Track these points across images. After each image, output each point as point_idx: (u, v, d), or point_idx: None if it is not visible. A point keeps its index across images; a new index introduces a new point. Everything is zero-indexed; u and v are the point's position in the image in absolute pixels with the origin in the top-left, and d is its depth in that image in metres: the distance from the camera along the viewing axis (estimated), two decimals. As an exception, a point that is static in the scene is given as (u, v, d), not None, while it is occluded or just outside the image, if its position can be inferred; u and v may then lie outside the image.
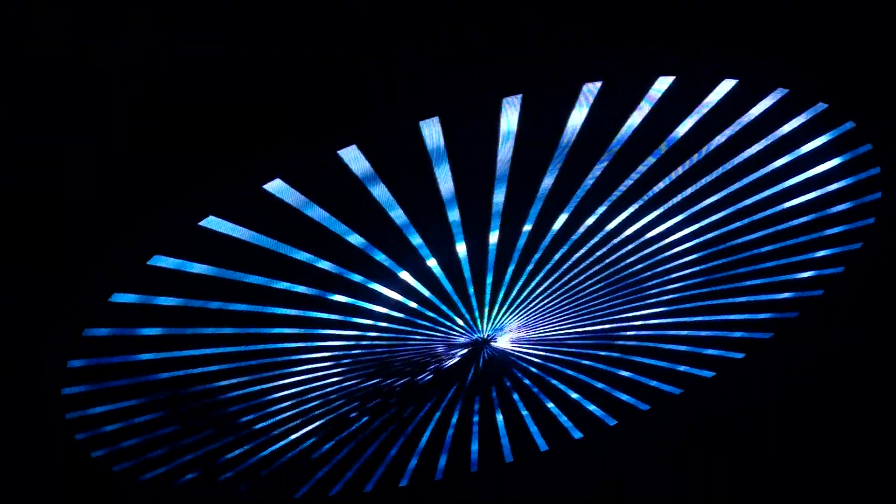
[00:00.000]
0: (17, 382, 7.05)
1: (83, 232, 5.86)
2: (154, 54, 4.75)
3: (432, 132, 5.94)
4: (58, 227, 5.80)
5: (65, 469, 8.58)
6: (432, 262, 7.88)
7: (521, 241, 7.89)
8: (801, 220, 8.10)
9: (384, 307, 8.56)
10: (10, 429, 7.66)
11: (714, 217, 8.02)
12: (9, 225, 5.67)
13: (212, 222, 6.29)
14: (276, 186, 6.10)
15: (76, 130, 5.14)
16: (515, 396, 10.83)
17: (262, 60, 4.98)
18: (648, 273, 8.84)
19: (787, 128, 6.81)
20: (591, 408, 11.23)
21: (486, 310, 9.04)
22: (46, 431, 7.93)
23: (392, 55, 5.11)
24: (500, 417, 11.19)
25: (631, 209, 7.72)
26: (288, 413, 9.96)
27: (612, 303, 9.42)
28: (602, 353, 10.30)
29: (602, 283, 8.98)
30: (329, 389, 9.85)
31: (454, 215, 7.18)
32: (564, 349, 10.18)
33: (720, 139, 6.89)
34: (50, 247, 5.91)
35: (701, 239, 8.38)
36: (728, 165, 7.29)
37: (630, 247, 8.35)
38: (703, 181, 7.47)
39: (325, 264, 7.53)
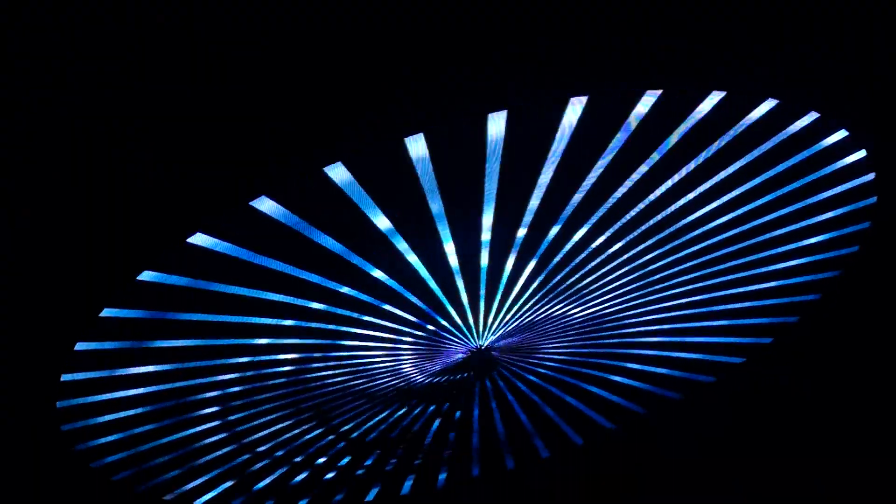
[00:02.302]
0: (16, 383, 7.03)
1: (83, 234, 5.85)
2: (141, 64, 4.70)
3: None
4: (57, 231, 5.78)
5: (61, 473, 8.57)
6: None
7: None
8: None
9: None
10: (11, 431, 7.64)
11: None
12: (9, 227, 5.66)
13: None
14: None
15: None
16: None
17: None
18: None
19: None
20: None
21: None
22: (46, 436, 7.91)
23: (392, 55, 5.10)
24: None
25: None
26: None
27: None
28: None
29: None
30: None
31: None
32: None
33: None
34: (49, 250, 5.90)
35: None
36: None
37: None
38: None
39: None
